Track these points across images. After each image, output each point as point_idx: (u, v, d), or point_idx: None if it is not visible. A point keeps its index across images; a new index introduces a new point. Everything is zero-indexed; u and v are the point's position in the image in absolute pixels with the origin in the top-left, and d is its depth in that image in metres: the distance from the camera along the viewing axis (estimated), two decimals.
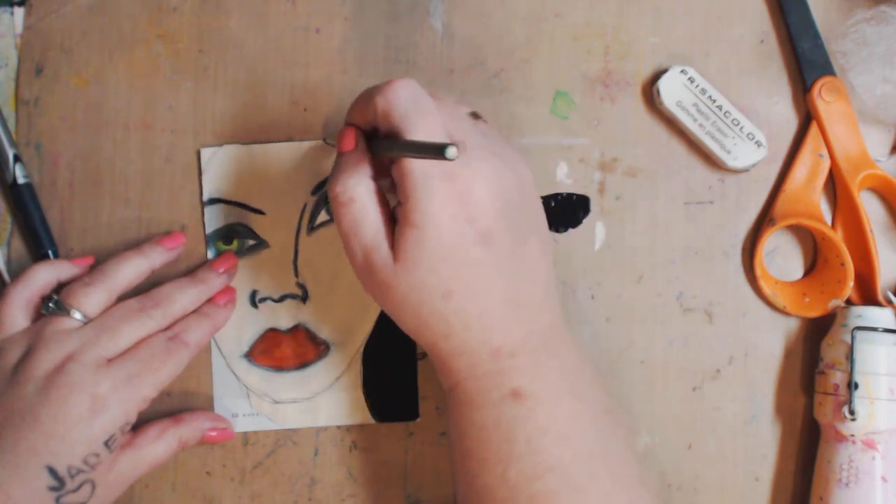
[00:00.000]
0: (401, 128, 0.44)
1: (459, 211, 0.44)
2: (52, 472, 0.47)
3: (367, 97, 0.46)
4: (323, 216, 0.56)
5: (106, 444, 0.49)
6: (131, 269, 0.53)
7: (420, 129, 0.44)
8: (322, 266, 0.56)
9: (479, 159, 0.45)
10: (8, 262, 0.56)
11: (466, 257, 0.45)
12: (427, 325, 0.46)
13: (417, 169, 0.44)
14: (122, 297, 0.53)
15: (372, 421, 0.56)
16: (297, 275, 0.56)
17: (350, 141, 0.47)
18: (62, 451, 0.47)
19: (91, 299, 0.51)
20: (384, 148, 0.46)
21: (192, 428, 0.54)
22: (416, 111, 0.44)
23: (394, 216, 0.46)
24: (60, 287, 0.53)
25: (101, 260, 0.54)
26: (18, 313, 0.52)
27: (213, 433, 0.54)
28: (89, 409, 0.48)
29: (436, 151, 0.40)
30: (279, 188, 0.56)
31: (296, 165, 0.56)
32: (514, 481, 0.45)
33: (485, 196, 0.45)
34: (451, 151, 0.39)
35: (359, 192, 0.46)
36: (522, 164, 0.48)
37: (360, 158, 0.47)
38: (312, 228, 0.56)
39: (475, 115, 0.49)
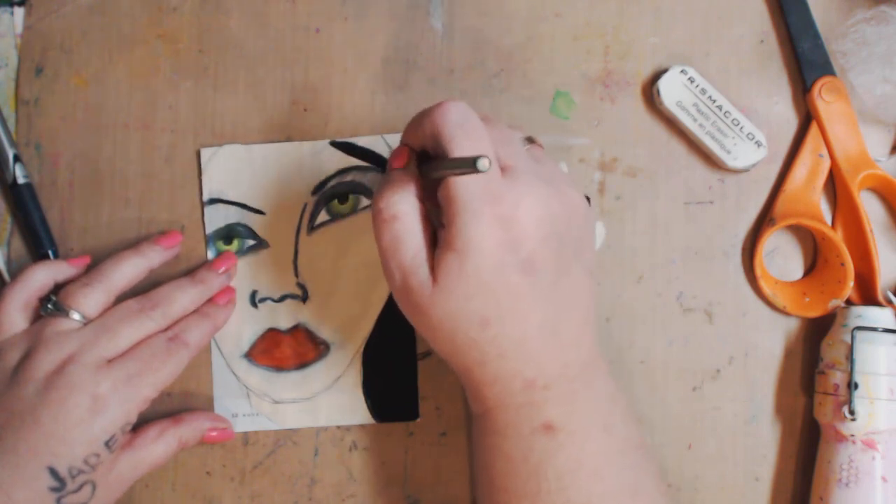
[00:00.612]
0: (448, 149, 0.43)
1: (503, 237, 0.43)
2: (53, 472, 0.47)
3: (419, 119, 0.45)
4: (323, 216, 0.56)
5: (107, 444, 0.49)
6: (130, 269, 0.53)
7: (467, 151, 0.43)
8: (322, 266, 0.56)
9: (526, 184, 0.44)
10: (8, 262, 0.56)
11: (507, 285, 0.43)
12: (461, 351, 0.45)
13: (462, 192, 0.43)
14: (121, 298, 0.53)
15: (372, 421, 0.56)
16: (297, 275, 0.56)
17: (402, 159, 0.46)
18: (63, 451, 0.47)
19: (90, 300, 0.51)
20: (429, 170, 0.45)
21: (192, 428, 0.54)
22: (463, 133, 0.43)
23: (436, 239, 0.45)
24: (58, 287, 0.53)
25: (100, 260, 0.54)
26: (16, 315, 0.51)
27: (214, 433, 0.54)
28: (90, 409, 0.48)
29: (468, 165, 0.40)
30: (279, 188, 0.56)
31: (296, 166, 0.56)
32: None
33: (530, 223, 0.43)
34: (482, 163, 0.39)
35: (403, 209, 0.45)
36: (573, 191, 0.46)
37: (409, 177, 0.45)
38: (312, 228, 0.56)
39: (530, 140, 0.49)
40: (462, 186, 0.43)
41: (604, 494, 0.44)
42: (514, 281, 0.43)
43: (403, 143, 0.47)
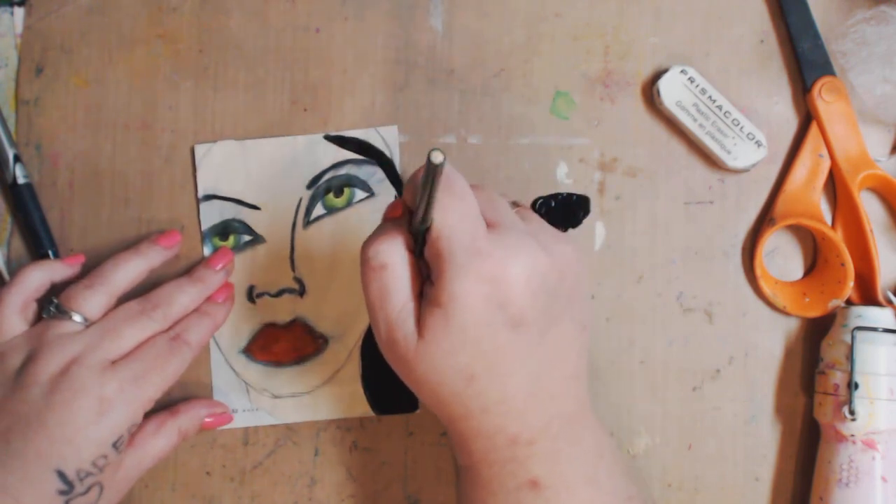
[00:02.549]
0: (432, 206, 0.43)
1: (490, 293, 0.42)
2: (62, 475, 0.47)
3: (411, 177, 0.45)
4: (318, 210, 0.56)
5: (114, 445, 0.49)
6: (130, 270, 0.53)
7: (451, 207, 0.43)
8: (319, 260, 0.56)
9: (514, 240, 0.43)
10: (8, 262, 0.56)
11: (493, 342, 0.43)
12: (446, 404, 0.45)
13: (449, 246, 0.42)
14: (122, 298, 0.53)
15: (371, 414, 0.56)
16: (293, 269, 0.56)
17: (396, 210, 0.46)
18: (70, 454, 0.47)
19: (91, 302, 0.51)
20: (414, 219, 0.44)
21: (189, 417, 0.54)
22: (448, 189, 0.43)
23: (423, 293, 0.44)
24: (55, 288, 0.53)
25: (100, 260, 0.53)
26: (14, 317, 0.51)
27: (210, 419, 0.54)
28: (96, 411, 0.48)
29: (429, 170, 0.39)
30: (274, 183, 0.56)
31: (290, 160, 0.56)
32: None
33: (519, 279, 0.43)
34: (435, 156, 0.38)
35: (393, 259, 0.44)
36: (564, 245, 0.45)
37: (399, 228, 0.45)
38: (308, 223, 0.56)
39: (515, 204, 0.48)
40: (447, 241, 0.42)
41: None
42: (501, 338, 0.43)
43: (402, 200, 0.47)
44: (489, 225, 0.44)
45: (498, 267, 0.42)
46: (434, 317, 0.43)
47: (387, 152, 0.56)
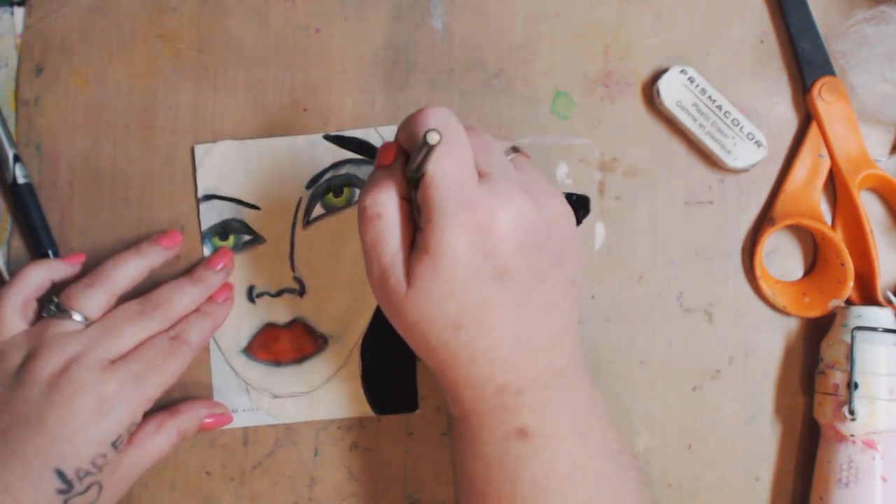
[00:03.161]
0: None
1: (479, 242, 0.43)
2: (61, 474, 0.47)
3: (405, 122, 0.46)
4: (318, 210, 0.56)
5: (113, 444, 0.49)
6: (131, 270, 0.53)
7: (444, 155, 0.43)
8: (318, 260, 0.56)
9: (505, 192, 0.44)
10: (8, 262, 0.56)
11: (480, 291, 0.43)
12: (435, 352, 0.45)
13: (439, 194, 0.43)
14: (122, 298, 0.53)
15: (371, 414, 0.56)
16: (293, 269, 0.56)
17: (388, 156, 0.46)
18: (70, 453, 0.47)
19: (91, 301, 0.51)
20: (408, 169, 0.45)
21: (189, 417, 0.54)
22: (443, 141, 0.43)
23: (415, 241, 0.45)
24: (55, 287, 0.53)
25: (100, 260, 0.53)
26: (15, 316, 0.51)
27: (210, 420, 0.54)
28: (96, 410, 0.48)
29: (424, 143, 0.40)
30: (274, 183, 0.56)
31: (290, 160, 0.56)
32: None
33: (507, 230, 0.43)
34: (431, 136, 0.39)
35: (387, 209, 0.45)
36: (557, 200, 0.46)
37: (394, 177, 0.46)
38: (308, 222, 0.56)
39: (515, 150, 0.48)
40: (437, 189, 0.43)
41: (579, 499, 0.44)
42: (488, 287, 0.43)
43: (396, 142, 0.47)
44: (481, 173, 0.44)
45: (486, 217, 0.43)
46: (423, 264, 0.44)
47: None
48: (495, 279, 0.43)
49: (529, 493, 0.44)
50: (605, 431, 0.47)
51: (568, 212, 0.47)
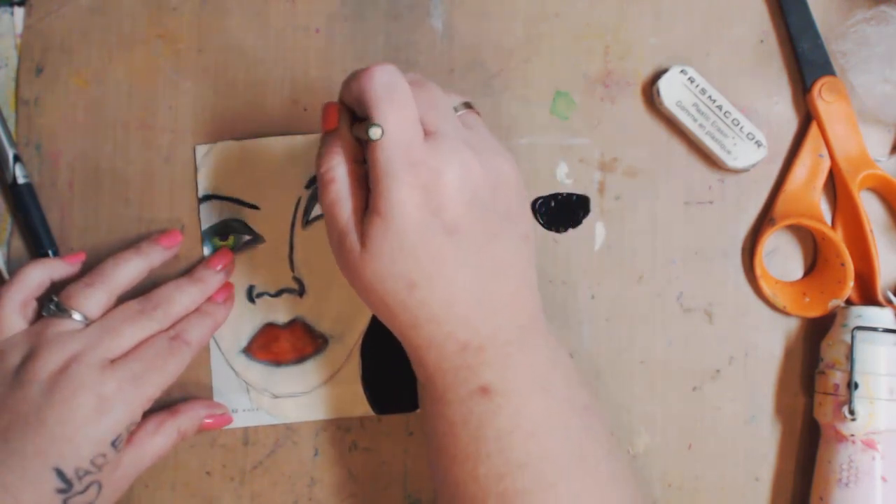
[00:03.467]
0: (372, 113, 0.44)
1: (425, 200, 0.44)
2: (60, 474, 0.47)
3: (349, 80, 0.46)
4: (318, 210, 0.56)
5: (113, 444, 0.49)
6: (130, 269, 0.53)
7: (389, 116, 0.44)
8: (318, 260, 0.56)
9: (450, 150, 0.44)
10: (8, 262, 0.56)
11: (430, 248, 0.44)
12: (394, 314, 0.46)
13: (383, 157, 0.44)
14: (122, 297, 0.53)
15: (371, 414, 0.56)
16: (293, 269, 0.56)
17: (332, 119, 0.47)
18: (69, 452, 0.47)
19: (91, 301, 0.51)
20: (356, 131, 0.46)
21: (188, 417, 0.54)
22: (388, 98, 0.44)
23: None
24: (55, 286, 0.53)
25: (100, 260, 0.53)
26: (14, 316, 0.51)
27: (210, 420, 0.54)
28: (95, 409, 0.48)
29: (365, 131, 0.42)
30: (273, 183, 0.56)
31: (289, 160, 0.56)
32: (484, 478, 0.44)
33: (453, 187, 0.44)
34: (373, 132, 0.41)
35: (337, 174, 0.46)
36: (503, 159, 0.47)
37: (343, 140, 0.46)
38: (307, 222, 0.56)
39: (467, 105, 0.49)
40: (383, 151, 0.44)
41: (542, 454, 0.45)
42: (437, 243, 0.44)
43: (339, 102, 0.48)
44: (427, 132, 0.45)
45: (431, 175, 0.44)
46: (374, 225, 0.44)
47: None
48: (444, 235, 0.44)
49: (494, 449, 0.45)
50: (569, 387, 0.47)
51: (515, 170, 0.47)
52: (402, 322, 0.46)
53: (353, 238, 0.45)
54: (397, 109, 0.44)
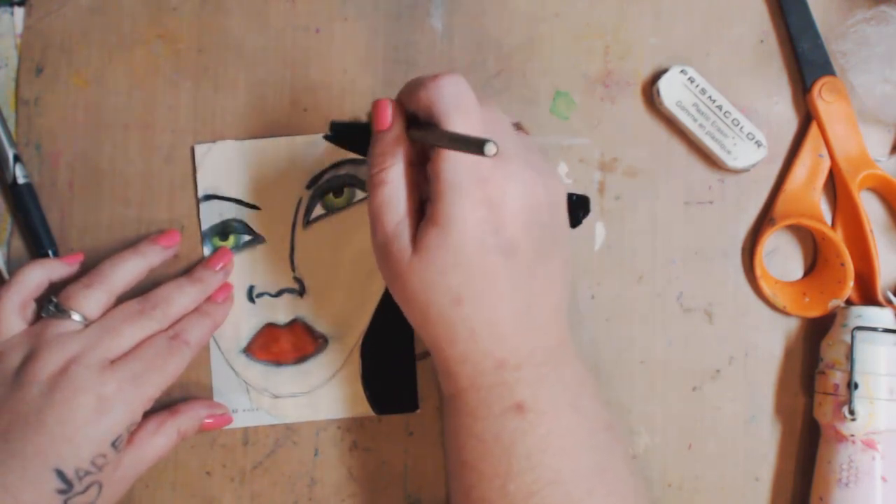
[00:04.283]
0: (442, 124, 0.44)
1: (487, 217, 0.44)
2: (60, 474, 0.47)
3: (415, 86, 0.46)
4: (318, 210, 0.56)
5: (113, 444, 0.49)
6: (129, 269, 0.53)
7: (459, 128, 0.43)
8: (319, 260, 0.56)
9: (515, 169, 0.44)
10: (8, 262, 0.56)
11: (484, 266, 0.44)
12: (433, 325, 0.45)
13: (451, 169, 0.43)
14: (121, 298, 0.53)
15: (371, 414, 0.56)
16: (293, 269, 0.56)
17: (385, 118, 0.46)
18: (69, 453, 0.47)
19: (91, 301, 0.51)
20: (423, 137, 0.45)
21: (189, 417, 0.54)
22: (457, 108, 0.44)
23: (423, 208, 0.45)
24: (54, 286, 0.53)
25: (99, 260, 0.53)
26: (13, 316, 0.51)
27: (210, 420, 0.54)
28: (95, 410, 0.48)
29: (475, 146, 0.40)
30: (274, 183, 0.56)
31: (290, 160, 0.56)
32: (513, 496, 0.44)
33: (515, 206, 0.44)
34: (489, 148, 0.39)
35: (391, 175, 0.45)
36: (557, 181, 0.47)
37: (399, 142, 0.46)
38: (308, 223, 0.56)
39: (518, 126, 0.49)
40: (451, 165, 0.43)
41: (572, 473, 0.45)
42: (492, 262, 0.44)
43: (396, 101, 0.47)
44: None
45: (496, 193, 0.44)
46: (430, 234, 0.44)
47: None
48: (500, 255, 0.44)
49: (525, 466, 0.44)
50: (594, 407, 0.47)
51: (564, 192, 0.48)
52: (439, 335, 0.46)
53: (402, 243, 0.45)
54: (467, 122, 0.44)
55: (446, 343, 0.46)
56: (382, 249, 0.46)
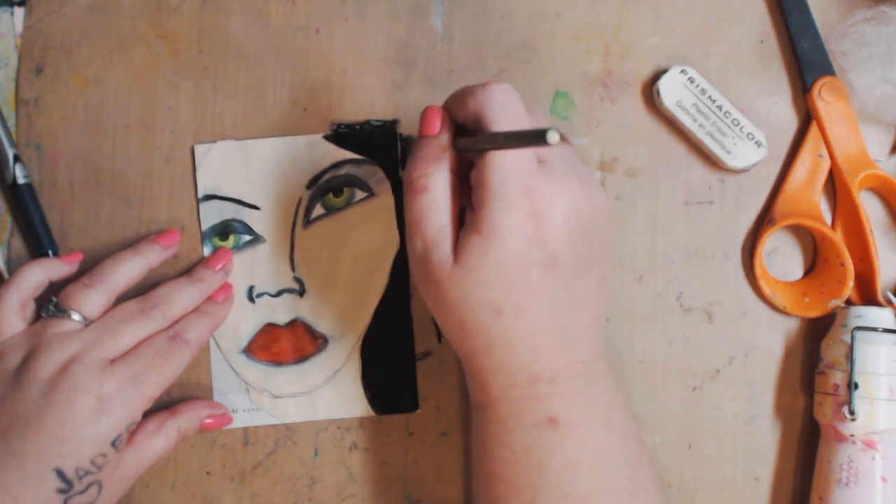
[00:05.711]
0: (490, 129, 0.43)
1: (531, 230, 0.43)
2: (60, 474, 0.47)
3: (461, 95, 0.45)
4: (318, 210, 0.56)
5: (113, 444, 0.49)
6: (129, 269, 0.53)
7: None
8: (318, 260, 0.56)
9: (561, 181, 0.44)
10: (8, 262, 0.56)
11: (526, 278, 0.43)
12: (470, 335, 0.45)
13: (499, 177, 0.43)
14: (121, 298, 0.53)
15: (372, 414, 0.56)
16: (293, 269, 0.56)
17: (434, 124, 0.46)
18: (69, 452, 0.47)
19: (90, 301, 0.51)
20: (472, 143, 0.44)
21: (189, 417, 0.54)
22: (507, 117, 0.43)
23: (463, 217, 0.45)
24: (53, 286, 0.53)
25: (99, 260, 0.53)
26: (13, 316, 0.51)
27: (210, 420, 0.54)
28: (95, 409, 0.48)
29: (536, 137, 0.38)
30: (274, 183, 0.56)
31: (290, 160, 0.56)
32: None
33: (560, 219, 0.43)
34: (552, 135, 0.37)
35: (435, 182, 0.45)
36: (600, 192, 0.46)
37: (443, 149, 0.45)
38: (308, 223, 0.56)
39: (562, 137, 0.49)
40: (497, 172, 0.43)
41: (604, 488, 0.45)
42: (534, 275, 0.44)
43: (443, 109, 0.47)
44: (539, 160, 0.44)
45: (542, 204, 0.43)
46: (472, 244, 0.43)
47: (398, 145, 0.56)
48: (543, 268, 0.44)
49: (556, 480, 0.44)
50: (626, 421, 0.47)
51: (607, 205, 0.47)
52: (475, 345, 0.45)
53: (443, 251, 0.44)
54: (516, 128, 0.43)
55: (482, 353, 0.45)
56: (421, 259, 0.45)
